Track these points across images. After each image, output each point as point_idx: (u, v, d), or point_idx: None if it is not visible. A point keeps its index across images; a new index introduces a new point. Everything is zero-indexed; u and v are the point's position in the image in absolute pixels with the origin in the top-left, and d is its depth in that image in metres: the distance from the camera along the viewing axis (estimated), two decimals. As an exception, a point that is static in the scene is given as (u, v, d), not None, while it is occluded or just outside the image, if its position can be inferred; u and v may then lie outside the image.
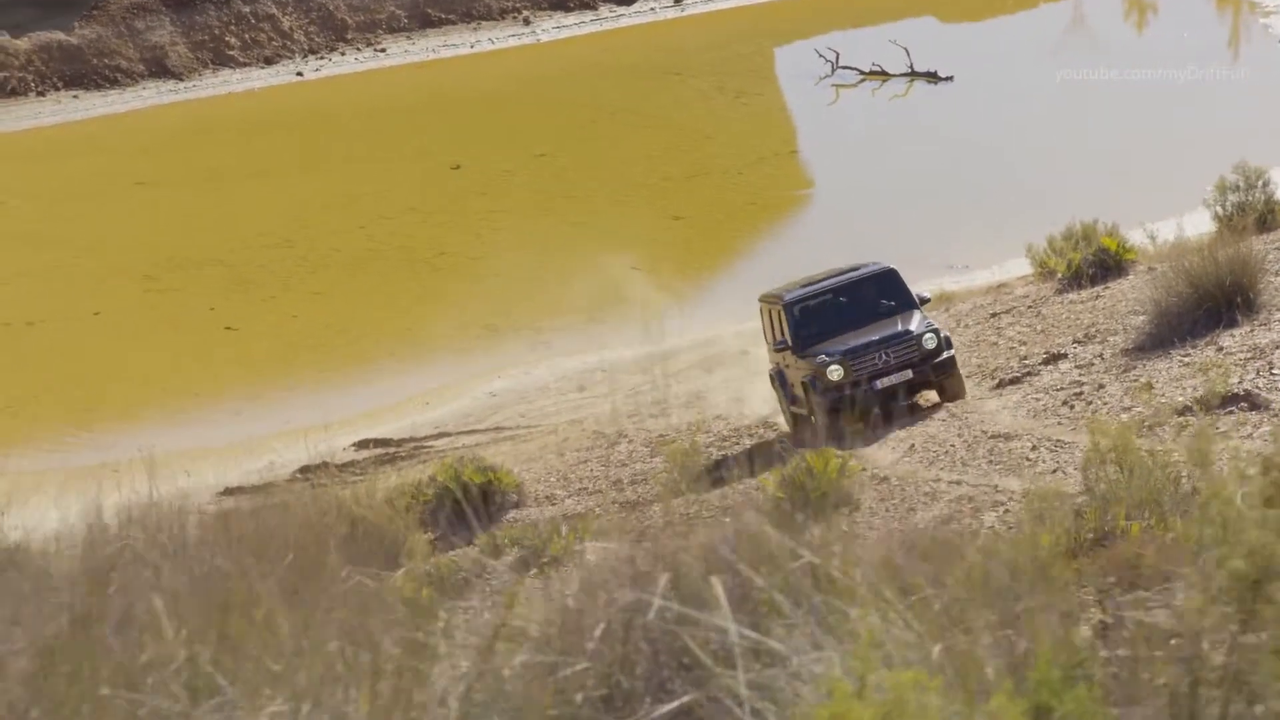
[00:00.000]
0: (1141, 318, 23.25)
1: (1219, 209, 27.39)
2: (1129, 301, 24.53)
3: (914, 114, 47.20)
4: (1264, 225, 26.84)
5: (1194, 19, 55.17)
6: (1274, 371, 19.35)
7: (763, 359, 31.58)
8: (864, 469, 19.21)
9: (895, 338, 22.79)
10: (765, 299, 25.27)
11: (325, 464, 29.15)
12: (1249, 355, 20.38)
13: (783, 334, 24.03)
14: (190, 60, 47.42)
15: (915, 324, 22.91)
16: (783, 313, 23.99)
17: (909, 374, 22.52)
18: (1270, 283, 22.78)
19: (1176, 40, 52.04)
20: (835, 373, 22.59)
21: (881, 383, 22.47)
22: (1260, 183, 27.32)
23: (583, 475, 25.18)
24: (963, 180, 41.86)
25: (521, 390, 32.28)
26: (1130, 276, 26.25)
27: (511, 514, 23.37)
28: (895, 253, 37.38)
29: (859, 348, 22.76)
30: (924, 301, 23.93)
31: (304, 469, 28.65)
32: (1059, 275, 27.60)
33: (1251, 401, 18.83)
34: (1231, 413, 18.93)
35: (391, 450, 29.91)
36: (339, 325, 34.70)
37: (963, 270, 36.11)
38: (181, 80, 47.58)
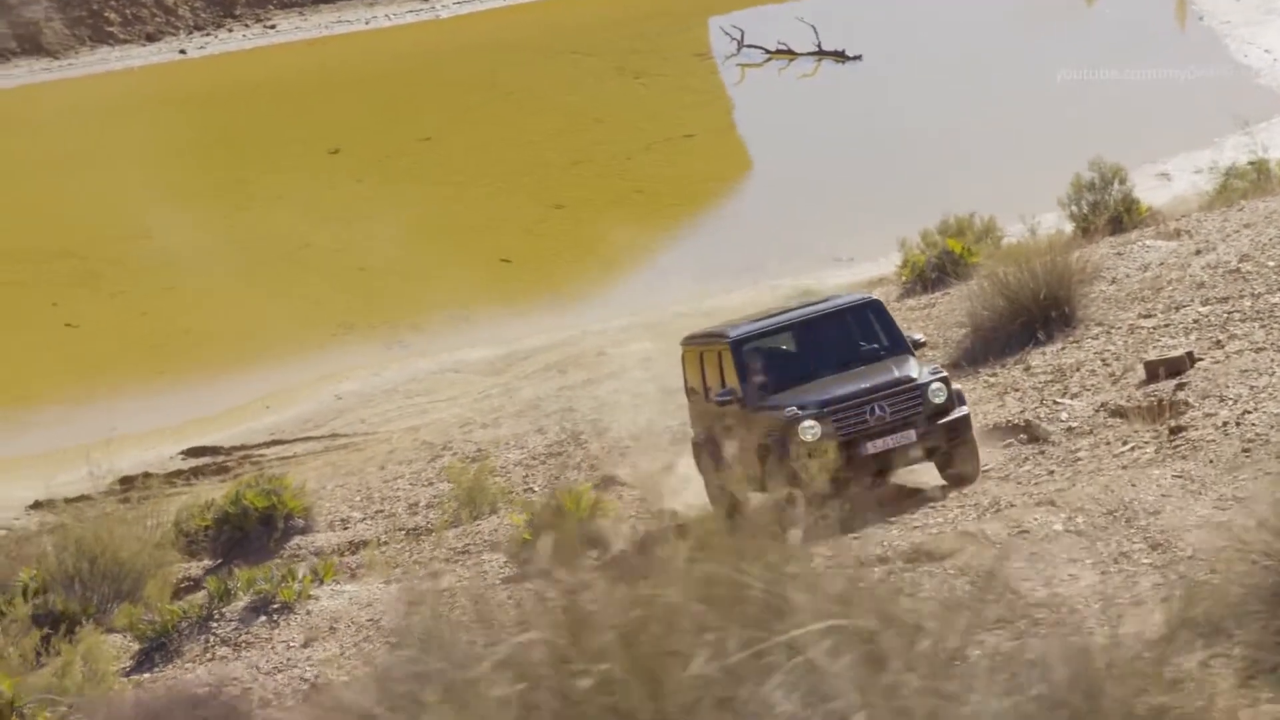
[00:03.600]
0: (963, 330, 21.92)
1: (1074, 208, 25.96)
2: (959, 312, 23.11)
3: (820, 95, 45.68)
4: (1119, 226, 25.42)
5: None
6: (1060, 400, 17.95)
7: (617, 360, 30.29)
8: (618, 508, 17.83)
9: (891, 385, 17.10)
10: (696, 340, 19.47)
11: (147, 475, 27.92)
12: (1051, 377, 19.02)
13: (726, 382, 18.23)
14: (67, 37, 45.74)
15: (915, 369, 17.38)
16: (729, 353, 18.14)
17: (911, 435, 16.82)
18: (1103, 291, 21.41)
19: (1117, 23, 50.44)
20: (810, 430, 16.80)
21: (873, 446, 16.82)
22: (1116, 180, 25.87)
23: (387, 494, 23.76)
24: (865, 165, 40.40)
25: (368, 393, 30.84)
26: (971, 282, 24.78)
27: (296, 540, 21.97)
28: (784, 243, 36.29)
29: (842, 397, 17.06)
30: (918, 345, 18.21)
31: (124, 480, 27.38)
32: (902, 279, 26.21)
33: (1031, 433, 17.51)
34: (1009, 445, 17.65)
35: (220, 459, 28.55)
36: (188, 323, 33.22)
37: (848, 263, 34.66)
38: (56, 59, 45.87)
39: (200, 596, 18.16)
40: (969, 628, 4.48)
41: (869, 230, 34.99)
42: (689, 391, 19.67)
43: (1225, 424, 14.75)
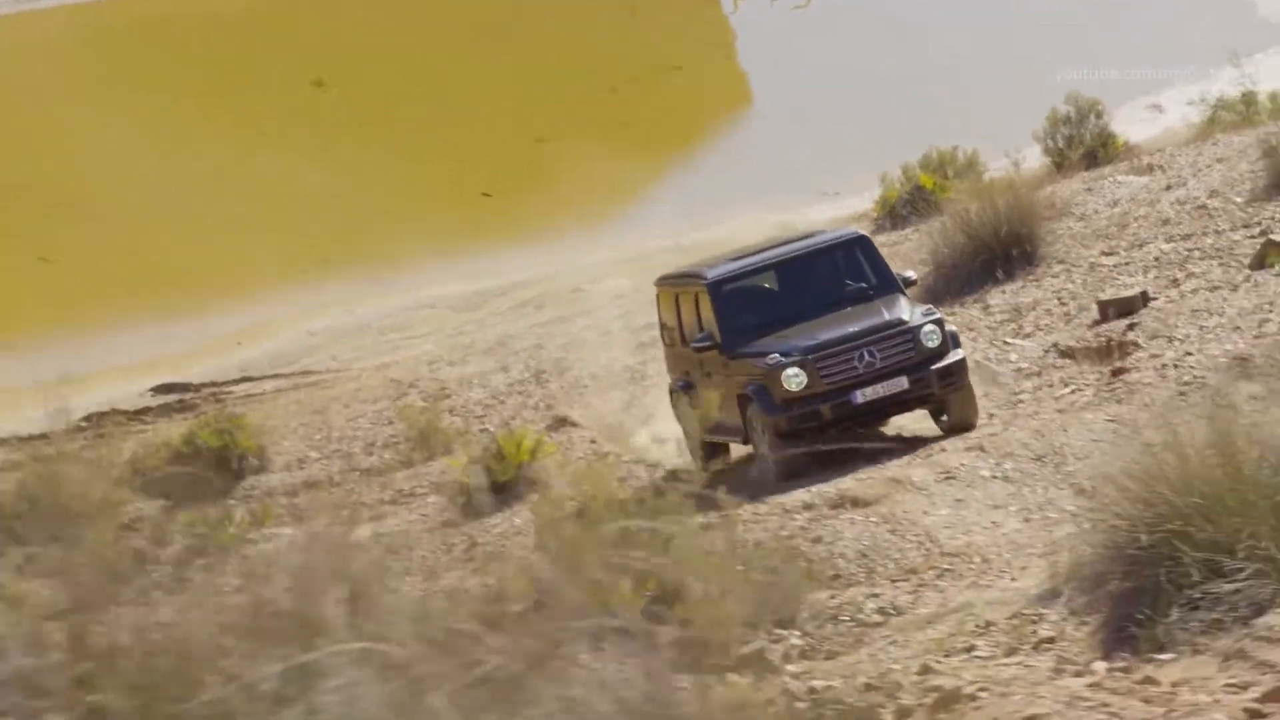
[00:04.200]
0: (926, 269, 21.53)
1: (1049, 142, 25.51)
2: (924, 249, 22.70)
3: (815, 25, 45.03)
4: (1095, 160, 24.99)
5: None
6: (1011, 341, 17.61)
7: (593, 297, 29.92)
8: (558, 450, 17.47)
9: (882, 329, 16.02)
10: (672, 280, 18.19)
11: (114, 411, 27.69)
12: (1007, 316, 18.67)
13: (703, 326, 16.99)
14: (45, -34, 45.22)
15: (907, 311, 16.28)
16: (705, 296, 16.92)
17: (903, 382, 15.77)
18: (1070, 228, 21.03)
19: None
20: (794, 379, 15.79)
21: (862, 394, 15.75)
22: (1093, 114, 25.40)
23: (347, 434, 23.45)
24: (858, 96, 39.85)
25: (342, 330, 30.56)
26: (943, 218, 24.30)
27: (251, 480, 21.74)
28: (769, 176, 35.82)
29: (828, 342, 15.99)
30: (908, 284, 17.02)
31: (89, 417, 27.14)
32: (874, 215, 25.82)
33: (979, 374, 17.17)
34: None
35: (189, 396, 28.29)
36: (164, 257, 32.87)
37: (833, 196, 34.21)
38: (39, -11, 45.41)
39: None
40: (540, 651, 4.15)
41: (857, 163, 34.51)
42: (664, 334, 18.41)
43: (1164, 366, 14.41)
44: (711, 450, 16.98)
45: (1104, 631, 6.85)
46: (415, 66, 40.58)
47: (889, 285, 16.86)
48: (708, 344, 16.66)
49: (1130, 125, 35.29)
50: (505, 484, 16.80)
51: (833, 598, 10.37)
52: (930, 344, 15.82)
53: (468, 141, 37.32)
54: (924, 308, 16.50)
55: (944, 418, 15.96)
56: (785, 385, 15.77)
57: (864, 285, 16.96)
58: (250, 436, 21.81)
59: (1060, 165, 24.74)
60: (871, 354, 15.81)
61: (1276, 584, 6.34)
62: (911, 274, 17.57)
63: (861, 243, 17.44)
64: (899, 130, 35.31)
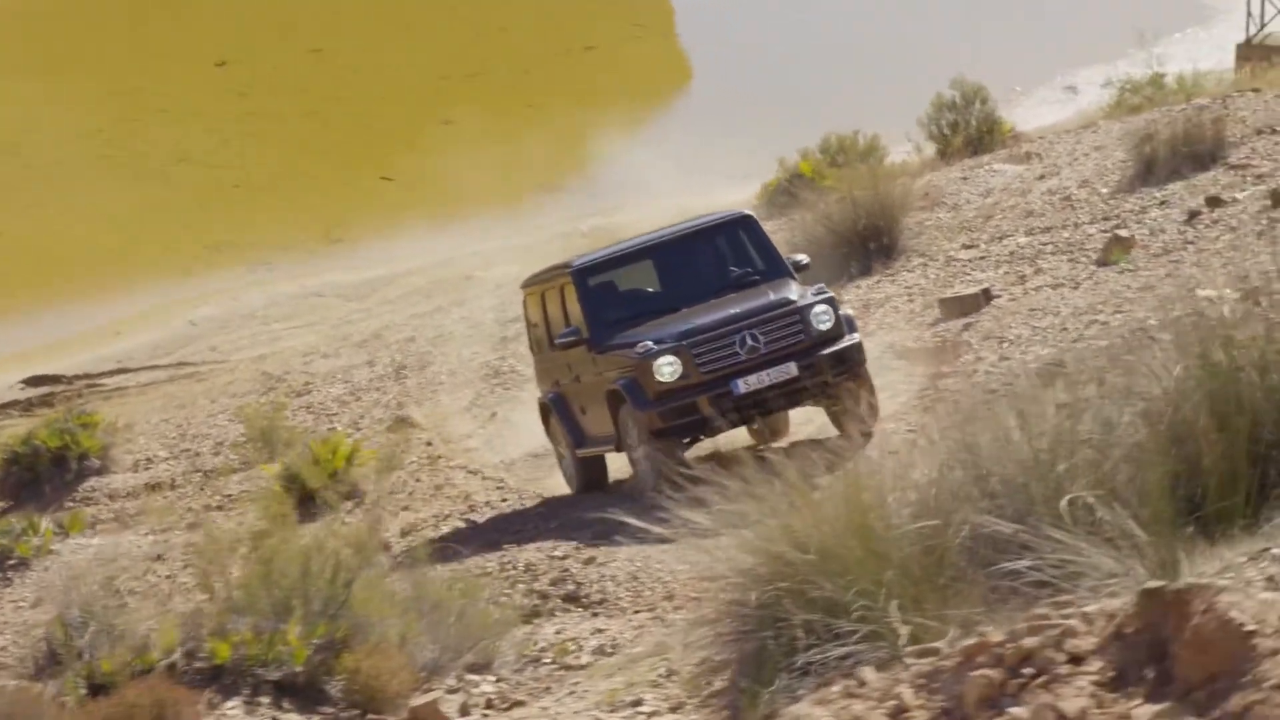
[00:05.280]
0: (789, 262, 20.77)
1: (932, 128, 24.79)
2: (792, 243, 21.91)
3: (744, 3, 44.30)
4: (980, 147, 24.27)
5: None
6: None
7: (482, 285, 29.14)
8: (375, 459, 16.62)
9: (765, 310, 14.42)
10: (537, 279, 16.40)
11: (-20, 405, 26.90)
12: (855, 313, 17.89)
13: (570, 321, 15.40)
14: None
15: (795, 292, 14.60)
16: (571, 287, 15.34)
17: (791, 369, 14.18)
18: (939, 219, 20.31)
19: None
20: (668, 368, 14.21)
21: (745, 383, 14.21)
22: (978, 100, 24.68)
23: (200, 432, 22.58)
24: (784, 75, 39.22)
25: (225, 319, 29.72)
26: (803, 211, 23.46)
27: (92, 481, 20.86)
28: (679, 160, 35.05)
29: (705, 327, 14.40)
30: (799, 268, 15.31)
31: (-47, 411, 26.38)
32: (754, 204, 25.02)
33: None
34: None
35: (60, 389, 27.43)
36: (49, 242, 32.02)
37: (741, 179, 33.49)
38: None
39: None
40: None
41: (775, 147, 33.70)
42: (532, 341, 16.60)
43: (975, 372, 13.68)
44: (588, 470, 15.56)
45: (726, 698, 6.14)
46: (325, 47, 39.76)
47: (778, 269, 15.25)
48: (574, 339, 15.05)
49: (1042, 107, 34.69)
50: (316, 492, 15.99)
51: (558, 633, 9.64)
52: (821, 326, 14.22)
53: (372, 124, 36.52)
54: (815, 287, 14.75)
55: (840, 410, 14.14)
56: (658, 376, 14.13)
57: (749, 270, 15.36)
58: (95, 435, 20.91)
59: (944, 152, 24.03)
60: (754, 338, 14.19)
61: (891, 647, 5.63)
62: (803, 258, 15.76)
63: (745, 223, 15.70)
64: (824, 112, 34.55)
